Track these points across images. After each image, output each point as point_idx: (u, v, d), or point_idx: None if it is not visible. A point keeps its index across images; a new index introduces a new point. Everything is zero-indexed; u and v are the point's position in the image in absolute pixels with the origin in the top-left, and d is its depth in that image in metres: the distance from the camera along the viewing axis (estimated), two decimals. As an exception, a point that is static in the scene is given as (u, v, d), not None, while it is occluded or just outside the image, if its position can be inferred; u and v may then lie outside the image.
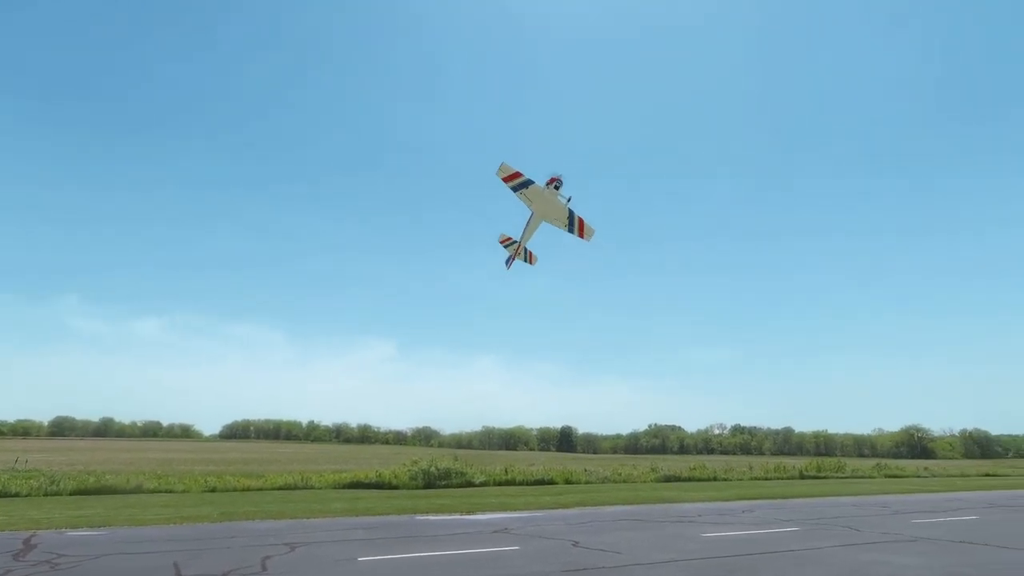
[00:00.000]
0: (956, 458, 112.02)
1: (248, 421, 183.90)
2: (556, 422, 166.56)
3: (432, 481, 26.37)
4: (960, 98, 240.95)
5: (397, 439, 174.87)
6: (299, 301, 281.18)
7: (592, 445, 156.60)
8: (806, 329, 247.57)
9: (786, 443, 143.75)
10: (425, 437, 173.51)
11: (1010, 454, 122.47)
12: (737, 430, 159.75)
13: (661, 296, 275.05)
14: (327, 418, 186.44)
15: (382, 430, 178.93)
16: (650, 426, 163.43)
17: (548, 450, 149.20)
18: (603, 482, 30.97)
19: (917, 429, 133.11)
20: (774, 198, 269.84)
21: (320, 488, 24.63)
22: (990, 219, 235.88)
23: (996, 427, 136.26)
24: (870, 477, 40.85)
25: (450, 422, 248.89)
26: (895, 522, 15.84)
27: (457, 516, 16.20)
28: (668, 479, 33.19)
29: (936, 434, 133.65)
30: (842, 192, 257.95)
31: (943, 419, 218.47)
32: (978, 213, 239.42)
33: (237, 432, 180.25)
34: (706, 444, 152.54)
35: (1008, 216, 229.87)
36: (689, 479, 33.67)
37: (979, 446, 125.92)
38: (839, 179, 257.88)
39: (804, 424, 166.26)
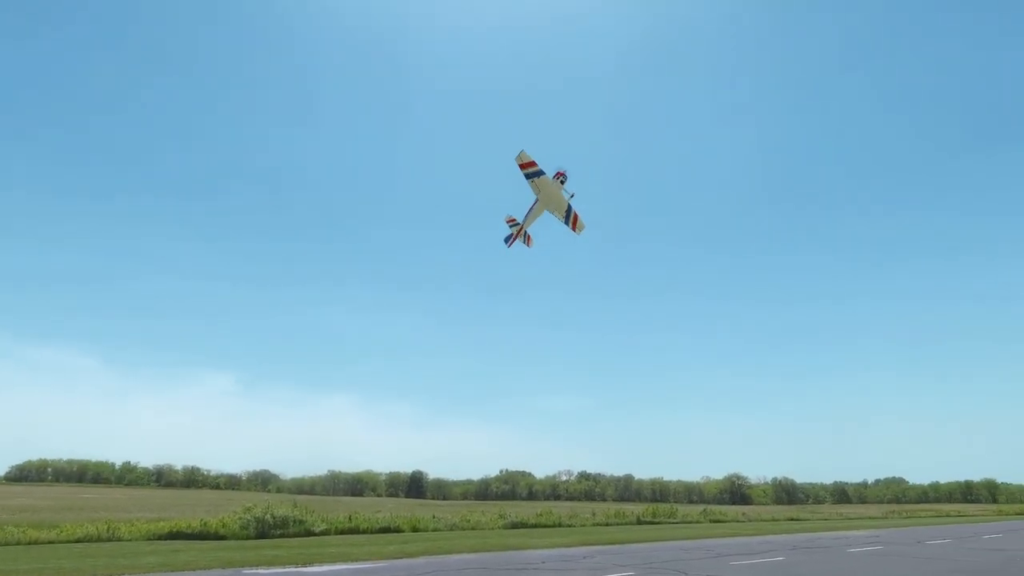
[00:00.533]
0: (768, 504, 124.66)
1: (44, 461, 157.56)
2: (409, 466, 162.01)
3: (266, 530, 24.25)
4: (779, 188, 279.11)
5: (230, 483, 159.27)
6: (123, 325, 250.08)
7: (443, 491, 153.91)
8: (651, 382, 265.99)
9: (627, 489, 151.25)
10: (262, 481, 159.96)
11: (810, 500, 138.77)
12: (583, 477, 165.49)
13: (522, 343, 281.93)
14: (147, 459, 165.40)
15: (212, 473, 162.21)
16: (501, 471, 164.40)
17: (397, 496, 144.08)
18: (451, 529, 30.41)
19: (738, 477, 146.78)
20: (630, 259, 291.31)
21: (131, 540, 21.63)
22: (799, 294, 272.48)
23: (801, 476, 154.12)
24: (697, 522, 44.01)
25: (293, 465, 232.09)
26: (716, 564, 17.15)
27: (291, 568, 14.97)
28: (516, 525, 33.36)
29: (753, 482, 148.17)
30: (685, 258, 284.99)
31: (759, 468, 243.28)
32: (789, 289, 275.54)
33: (29, 474, 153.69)
34: (554, 490, 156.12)
35: (815, 291, 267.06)
36: (536, 525, 34.10)
37: (787, 493, 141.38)
38: (683, 246, 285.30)
39: (643, 471, 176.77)
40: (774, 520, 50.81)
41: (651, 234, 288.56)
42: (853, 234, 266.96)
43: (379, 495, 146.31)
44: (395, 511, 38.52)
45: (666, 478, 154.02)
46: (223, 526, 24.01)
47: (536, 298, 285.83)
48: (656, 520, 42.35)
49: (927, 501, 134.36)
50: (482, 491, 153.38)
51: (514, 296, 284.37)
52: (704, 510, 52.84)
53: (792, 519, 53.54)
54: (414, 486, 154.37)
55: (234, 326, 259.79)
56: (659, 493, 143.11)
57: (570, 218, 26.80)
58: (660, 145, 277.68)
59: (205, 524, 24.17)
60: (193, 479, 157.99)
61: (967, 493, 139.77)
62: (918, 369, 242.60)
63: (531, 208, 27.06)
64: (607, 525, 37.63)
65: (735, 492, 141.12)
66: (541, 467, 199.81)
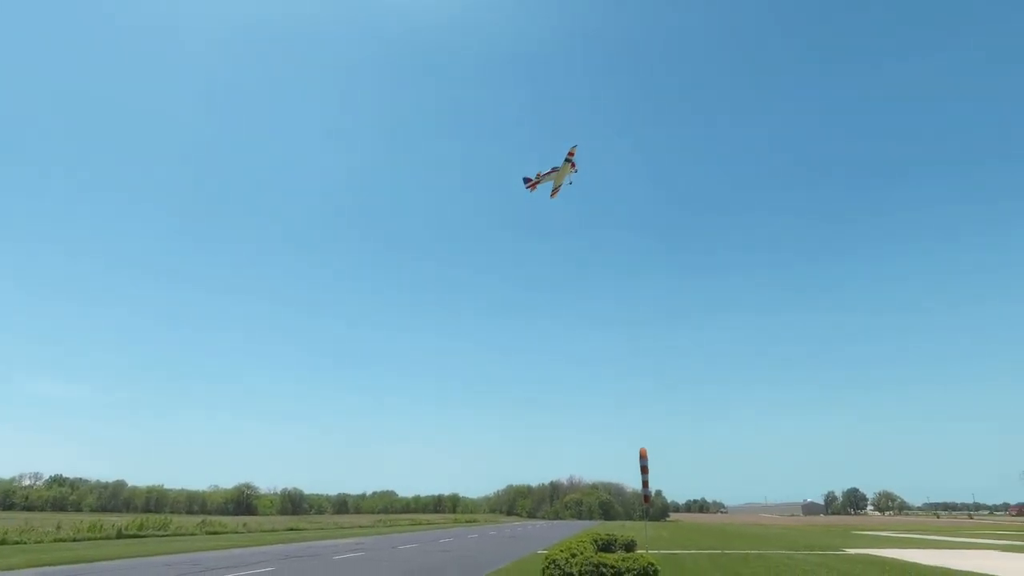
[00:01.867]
0: (274, 515, 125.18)
1: None
2: None
3: None
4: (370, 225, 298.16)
5: None
6: None
7: None
8: (173, 378, 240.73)
9: (114, 498, 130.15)
10: None
11: (313, 511, 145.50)
12: (56, 481, 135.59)
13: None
14: None
15: None
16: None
17: None
18: None
19: (248, 487, 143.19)
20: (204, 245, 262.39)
21: None
22: (366, 320, 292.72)
23: (310, 487, 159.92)
24: (192, 534, 41.02)
25: None
26: (203, 579, 16.23)
27: None
28: (-72, 545, 24.82)
29: (264, 492, 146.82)
30: (243, 257, 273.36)
31: (273, 479, 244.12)
32: (350, 312, 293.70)
33: None
34: (7, 498, 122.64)
35: (381, 320, 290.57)
36: (-37, 544, 26.06)
37: (293, 503, 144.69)
38: (250, 246, 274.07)
39: (143, 478, 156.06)
40: (274, 531, 51.27)
41: (207, 231, 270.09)
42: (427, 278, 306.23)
43: None
44: None
45: (168, 486, 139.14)
46: None
47: (37, 260, 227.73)
48: (143, 533, 37.70)
49: (409, 511, 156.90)
50: None
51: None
52: (203, 521, 49.73)
53: (292, 529, 54.98)
54: None
55: None
56: (155, 503, 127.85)
57: (555, 190, 40.28)
58: (259, 165, 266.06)
59: None
60: None
61: (438, 504, 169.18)
62: (417, 398, 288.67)
63: (548, 173, 39.39)
64: (75, 541, 31.49)
65: (242, 502, 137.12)
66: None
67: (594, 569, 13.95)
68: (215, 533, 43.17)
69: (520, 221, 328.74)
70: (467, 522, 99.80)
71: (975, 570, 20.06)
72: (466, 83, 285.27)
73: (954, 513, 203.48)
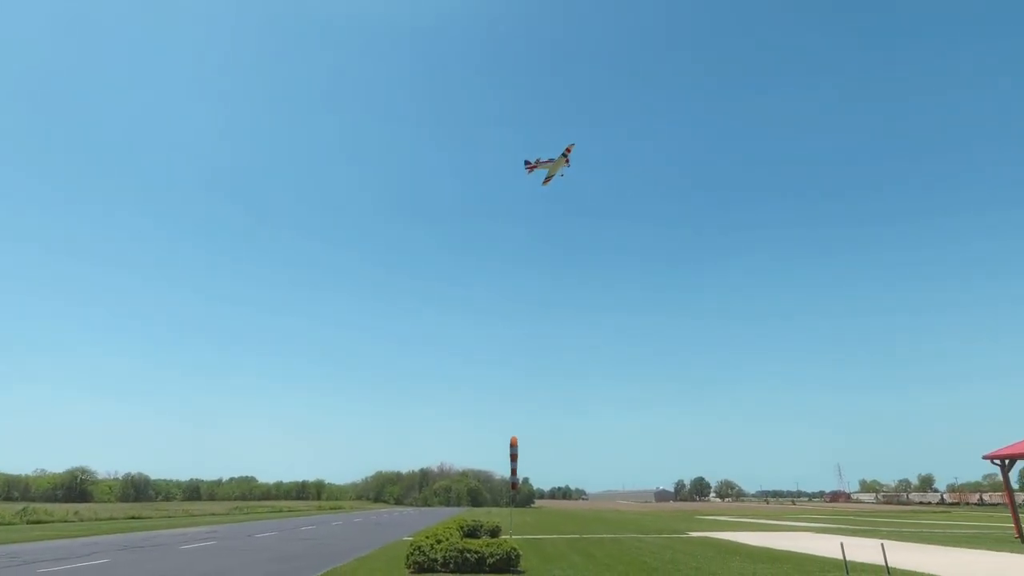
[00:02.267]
0: (113, 502, 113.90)
1: None
2: None
3: None
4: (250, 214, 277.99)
5: None
6: None
7: None
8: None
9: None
10: None
11: (160, 497, 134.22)
12: None
13: None
14: None
15: None
16: None
17: None
18: None
19: (83, 471, 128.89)
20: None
21: None
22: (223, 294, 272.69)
23: (157, 472, 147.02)
24: (10, 524, 36.53)
25: None
26: (21, 573, 14.54)
27: None
28: None
29: (102, 477, 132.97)
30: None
31: (114, 462, 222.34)
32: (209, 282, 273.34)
33: None
34: None
35: (248, 297, 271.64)
36: None
37: (136, 489, 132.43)
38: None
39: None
40: (112, 519, 46.92)
41: (41, 185, 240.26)
42: (295, 255, 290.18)
43: None
44: None
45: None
46: None
47: None
48: (-54, 523, 32.93)
49: (270, 498, 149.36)
50: None
51: None
52: (24, 509, 44.36)
53: (133, 517, 50.62)
54: None
55: None
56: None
57: (547, 179, 42.94)
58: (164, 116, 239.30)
59: None
60: None
61: (301, 491, 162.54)
62: (282, 380, 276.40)
63: (545, 162, 42.04)
64: None
65: (75, 488, 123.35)
66: None
67: (459, 554, 14.19)
68: (39, 522, 38.74)
69: (402, 205, 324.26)
70: (332, 509, 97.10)
71: (792, 549, 22.75)
72: (354, 56, 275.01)
73: (781, 499, 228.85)
